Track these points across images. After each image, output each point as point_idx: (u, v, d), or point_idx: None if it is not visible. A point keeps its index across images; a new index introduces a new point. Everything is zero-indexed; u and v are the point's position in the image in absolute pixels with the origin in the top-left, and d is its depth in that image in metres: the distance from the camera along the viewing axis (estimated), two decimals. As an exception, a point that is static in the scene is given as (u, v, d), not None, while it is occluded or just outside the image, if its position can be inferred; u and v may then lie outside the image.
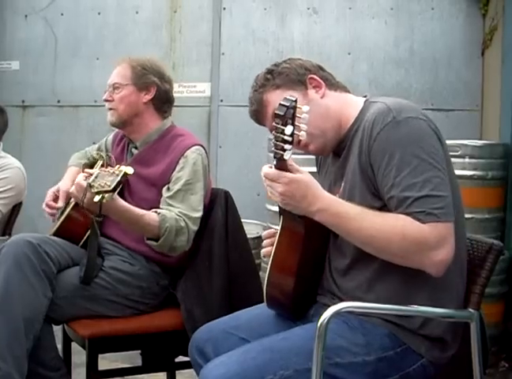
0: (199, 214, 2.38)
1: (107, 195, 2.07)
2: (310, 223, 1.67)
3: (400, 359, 1.67)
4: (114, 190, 2.09)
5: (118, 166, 2.24)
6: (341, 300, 1.72)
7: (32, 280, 2.20)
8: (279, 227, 1.78)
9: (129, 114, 2.48)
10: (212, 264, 2.43)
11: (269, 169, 1.63)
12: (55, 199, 2.49)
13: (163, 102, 2.54)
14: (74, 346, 2.52)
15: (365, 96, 1.85)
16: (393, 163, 1.61)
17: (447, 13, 4.55)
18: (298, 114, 1.55)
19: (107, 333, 2.31)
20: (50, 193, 2.50)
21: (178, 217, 2.32)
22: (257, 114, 1.87)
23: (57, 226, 2.50)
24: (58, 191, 2.49)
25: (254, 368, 1.61)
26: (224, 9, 4.60)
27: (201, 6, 4.62)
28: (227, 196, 2.52)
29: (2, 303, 2.16)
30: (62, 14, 4.66)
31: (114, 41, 4.63)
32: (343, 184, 1.77)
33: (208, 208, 2.50)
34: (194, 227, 2.36)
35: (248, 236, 2.63)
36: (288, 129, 1.53)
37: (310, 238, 1.74)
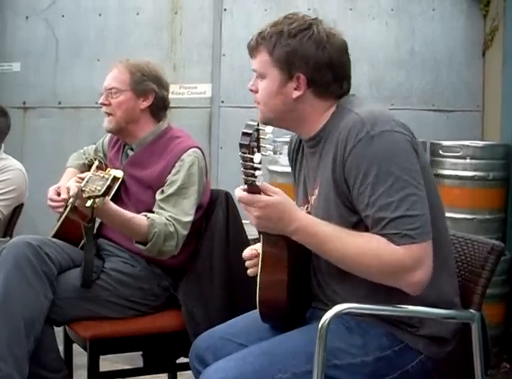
0: (190, 218, 2.37)
1: (97, 200, 2.08)
2: (291, 239, 1.66)
3: (399, 357, 1.67)
4: (104, 195, 2.09)
5: (108, 169, 2.24)
6: (335, 304, 1.71)
7: (32, 282, 2.20)
8: (260, 248, 1.75)
9: (126, 120, 2.46)
10: (213, 265, 2.43)
11: (242, 192, 1.59)
12: (58, 195, 2.48)
13: (160, 108, 2.52)
14: (75, 347, 2.52)
15: (352, 94, 1.81)
16: (367, 182, 1.59)
17: (448, 13, 4.55)
18: (262, 136, 1.53)
19: (109, 335, 2.31)
20: (51, 189, 2.49)
21: (167, 222, 2.31)
22: (251, 49, 1.83)
23: (56, 228, 2.50)
24: (59, 188, 2.50)
25: (253, 372, 1.62)
26: (225, 10, 4.60)
27: (201, 7, 4.62)
28: (228, 197, 2.52)
29: (3, 304, 2.16)
30: (62, 15, 4.66)
31: (115, 42, 4.63)
32: (316, 191, 1.75)
33: (209, 209, 2.50)
34: (184, 232, 2.35)
35: (249, 237, 2.63)
36: (257, 157, 1.51)
37: (294, 254, 1.72)
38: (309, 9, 4.57)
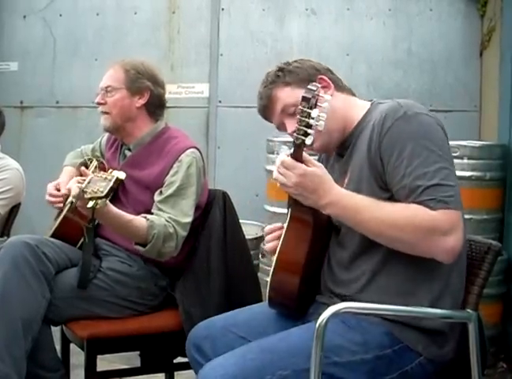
0: (189, 219, 2.37)
1: (100, 201, 2.06)
2: (319, 218, 1.72)
3: (399, 357, 1.68)
4: (106, 196, 2.08)
5: (110, 170, 2.23)
6: (340, 298, 1.73)
7: (30, 281, 2.19)
8: (286, 222, 1.79)
9: (122, 118, 2.46)
10: (210, 265, 2.43)
11: (286, 157, 1.66)
12: (57, 191, 2.48)
13: (156, 106, 2.52)
14: (73, 347, 2.52)
15: (371, 100, 1.89)
16: (404, 155, 1.65)
17: (445, 14, 4.55)
18: (319, 103, 1.59)
19: (106, 334, 2.31)
20: (50, 186, 2.49)
21: (167, 223, 2.31)
22: (266, 109, 1.91)
23: (54, 227, 2.50)
24: (58, 184, 2.49)
25: (253, 369, 1.62)
26: (223, 9, 4.60)
27: (199, 7, 4.62)
28: (225, 197, 2.52)
29: (0, 304, 2.15)
30: (60, 15, 4.66)
31: (112, 42, 4.63)
32: (347, 179, 1.79)
33: (207, 209, 2.50)
34: (183, 233, 2.35)
35: (246, 237, 2.64)
36: (314, 112, 1.58)
37: (318, 233, 1.77)
38: (306, 10, 4.58)
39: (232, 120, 4.49)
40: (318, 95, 1.59)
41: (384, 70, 4.56)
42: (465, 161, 3.58)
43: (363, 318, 1.70)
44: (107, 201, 2.13)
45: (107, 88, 2.47)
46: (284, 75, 1.88)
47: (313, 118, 1.58)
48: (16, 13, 4.66)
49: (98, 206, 2.06)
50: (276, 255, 1.79)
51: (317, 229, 1.76)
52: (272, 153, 3.84)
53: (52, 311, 2.26)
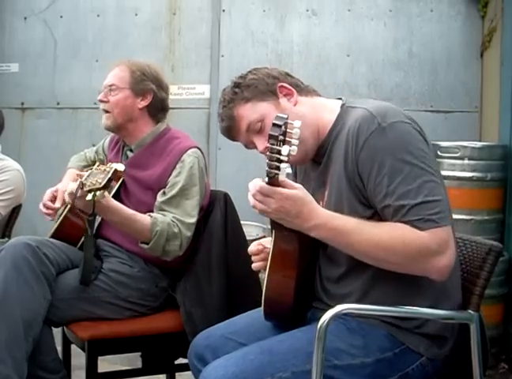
0: (193, 219, 2.37)
1: (98, 192, 2.08)
2: (303, 236, 1.65)
3: (399, 360, 1.67)
4: (105, 187, 2.09)
5: (109, 163, 2.24)
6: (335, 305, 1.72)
7: (31, 283, 2.19)
8: (271, 243, 1.74)
9: (123, 118, 2.47)
10: (211, 266, 2.43)
11: (261, 183, 1.57)
12: (53, 200, 2.48)
13: (159, 109, 2.52)
14: (74, 348, 2.52)
15: (339, 98, 1.83)
16: (383, 172, 1.59)
17: (446, 14, 4.55)
18: (289, 130, 1.51)
19: (107, 335, 2.31)
20: (48, 193, 2.49)
21: (172, 222, 2.32)
22: (230, 129, 1.82)
23: (54, 228, 2.50)
24: (56, 191, 2.49)
25: (253, 370, 1.62)
26: (224, 11, 4.60)
27: (200, 8, 4.61)
28: (226, 198, 2.52)
29: (1, 306, 2.15)
30: (61, 16, 4.65)
31: (113, 43, 4.63)
32: (327, 192, 1.74)
33: (208, 210, 2.50)
34: (188, 233, 2.36)
35: (247, 238, 2.63)
36: (285, 150, 1.49)
37: (304, 252, 1.72)
38: (307, 10, 4.58)
39: (233, 121, 4.48)
40: (286, 125, 1.50)
41: (385, 71, 4.56)
42: (466, 162, 3.58)
43: (364, 321, 1.70)
44: (106, 193, 2.14)
45: (111, 86, 2.47)
46: (242, 91, 1.80)
47: (284, 155, 1.49)
48: (16, 15, 4.65)
49: (96, 198, 2.08)
50: (265, 281, 1.75)
51: (303, 248, 1.70)
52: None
53: (53, 312, 2.26)
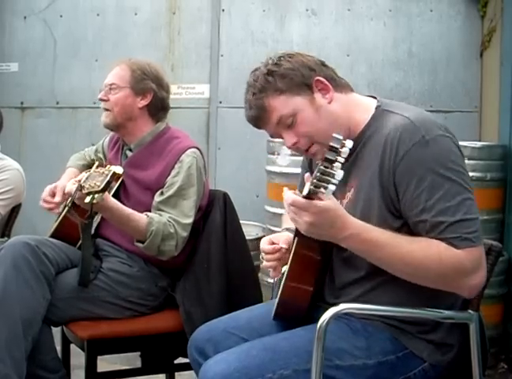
0: (190, 220, 2.37)
1: (97, 195, 2.08)
2: (325, 243, 1.64)
3: (402, 364, 1.67)
4: (103, 191, 2.10)
5: (108, 166, 2.25)
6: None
7: (30, 282, 2.19)
8: (292, 248, 1.73)
9: (123, 116, 2.46)
10: (210, 266, 2.43)
11: (295, 196, 1.52)
12: (52, 196, 2.48)
13: (159, 109, 2.52)
14: (73, 348, 2.52)
15: (373, 97, 1.78)
16: (423, 186, 1.57)
17: (446, 14, 4.55)
18: (341, 149, 1.46)
19: (106, 335, 2.31)
20: (47, 189, 2.49)
21: (168, 223, 2.32)
22: (258, 119, 1.74)
23: (54, 227, 2.50)
24: (55, 188, 2.49)
25: (255, 366, 1.62)
26: (223, 10, 4.60)
27: (199, 8, 4.62)
28: (225, 197, 2.52)
29: (1, 305, 2.15)
30: (61, 16, 4.66)
31: (113, 42, 4.63)
32: (351, 194, 1.71)
33: (207, 210, 2.50)
34: (184, 233, 2.35)
35: (247, 237, 2.64)
36: (339, 175, 1.45)
37: (324, 259, 1.72)
38: (307, 10, 4.58)
39: (233, 121, 4.49)
40: (340, 150, 1.44)
41: (384, 71, 4.56)
42: (466, 162, 3.56)
43: (369, 323, 1.70)
44: (105, 195, 2.15)
45: (111, 85, 2.47)
46: (275, 80, 1.69)
47: (337, 180, 1.45)
48: (16, 14, 4.66)
49: (95, 201, 2.08)
50: (282, 285, 1.74)
51: (324, 255, 1.70)
52: (273, 154, 3.84)
53: (52, 312, 2.26)
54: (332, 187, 1.46)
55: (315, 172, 1.47)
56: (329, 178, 1.45)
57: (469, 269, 1.56)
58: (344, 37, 4.58)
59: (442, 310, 1.67)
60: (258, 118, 1.74)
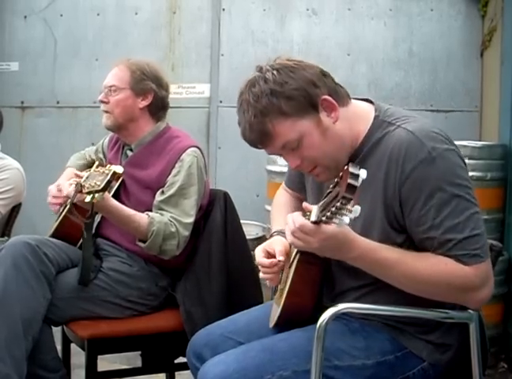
0: (191, 219, 2.37)
1: (97, 195, 2.09)
2: (326, 259, 1.64)
3: (401, 363, 1.67)
4: (103, 190, 2.10)
5: (108, 165, 2.25)
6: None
7: (30, 282, 2.19)
8: (290, 261, 1.73)
9: (124, 118, 2.46)
10: (211, 265, 2.43)
11: (304, 220, 1.49)
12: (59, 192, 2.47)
13: (159, 108, 2.52)
14: (73, 347, 2.52)
15: (369, 101, 1.74)
16: (430, 203, 1.55)
17: (446, 14, 4.55)
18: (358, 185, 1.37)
19: (107, 334, 2.31)
20: (53, 187, 2.46)
21: (169, 222, 2.32)
22: (259, 143, 1.65)
23: (54, 227, 2.50)
24: (59, 185, 2.49)
25: (253, 367, 1.62)
26: (224, 10, 4.60)
27: (200, 7, 4.61)
28: (226, 197, 2.52)
29: (1, 304, 2.15)
30: (61, 15, 4.65)
31: (113, 42, 4.63)
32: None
33: (208, 210, 2.50)
34: (185, 233, 2.36)
35: (247, 237, 2.63)
36: (356, 210, 1.39)
37: (325, 272, 1.72)
38: (307, 10, 4.57)
39: (233, 120, 4.40)
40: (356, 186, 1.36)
41: (385, 70, 4.56)
42: (466, 161, 3.56)
43: (367, 323, 1.70)
44: (105, 194, 2.15)
45: (111, 87, 2.47)
46: (280, 103, 1.57)
47: (354, 216, 1.39)
48: (16, 14, 4.65)
49: (95, 200, 2.08)
50: (283, 301, 1.73)
51: (325, 270, 1.70)
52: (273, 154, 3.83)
53: (53, 311, 2.27)
54: (346, 220, 1.41)
55: (327, 200, 1.43)
56: (345, 213, 1.40)
57: (478, 284, 1.57)
58: (344, 37, 4.57)
59: (442, 310, 1.67)
60: (260, 142, 1.65)
